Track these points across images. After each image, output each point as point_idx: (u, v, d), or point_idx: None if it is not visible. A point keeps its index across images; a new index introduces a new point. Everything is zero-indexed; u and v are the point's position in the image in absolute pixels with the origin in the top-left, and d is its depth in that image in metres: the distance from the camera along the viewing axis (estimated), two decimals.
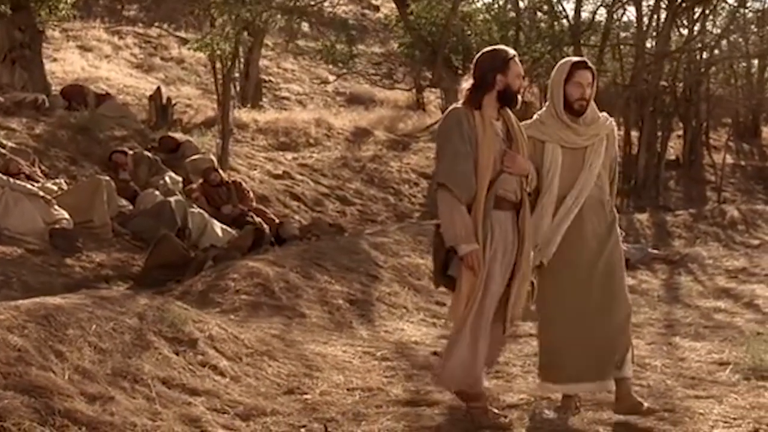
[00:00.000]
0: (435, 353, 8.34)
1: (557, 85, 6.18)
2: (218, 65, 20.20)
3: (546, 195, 6.15)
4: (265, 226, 14.57)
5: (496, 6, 22.91)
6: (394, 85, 27.31)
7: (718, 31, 29.04)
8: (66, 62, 27.16)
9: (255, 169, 18.84)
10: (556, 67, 6.33)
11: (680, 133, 29.67)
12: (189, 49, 20.82)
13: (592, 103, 6.22)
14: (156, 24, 32.37)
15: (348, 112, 27.98)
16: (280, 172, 19.25)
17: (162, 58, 30.71)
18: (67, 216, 12.10)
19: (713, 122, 32.50)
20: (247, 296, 9.48)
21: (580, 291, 6.15)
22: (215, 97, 25.43)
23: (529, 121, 6.33)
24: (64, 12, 19.84)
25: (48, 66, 25.90)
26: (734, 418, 6.44)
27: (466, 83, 6.11)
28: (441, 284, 6.08)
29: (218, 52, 18.30)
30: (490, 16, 22.58)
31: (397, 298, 10.74)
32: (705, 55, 28.62)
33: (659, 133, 26.67)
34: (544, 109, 6.34)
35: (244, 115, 23.14)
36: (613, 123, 6.39)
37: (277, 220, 15.34)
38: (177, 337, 7.10)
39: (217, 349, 7.26)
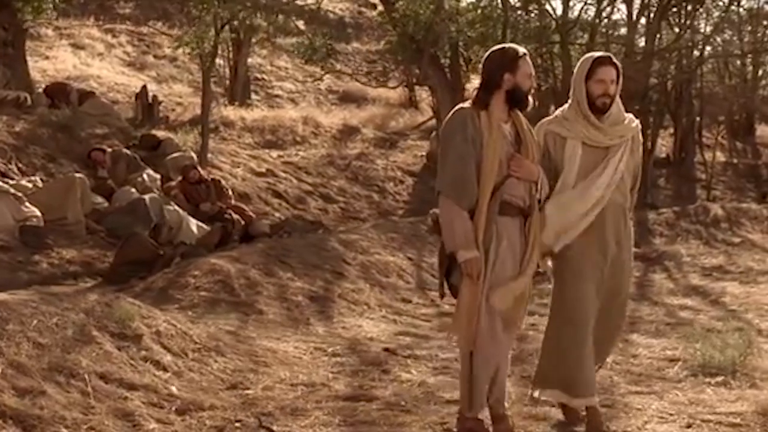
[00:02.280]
0: (386, 349, 8.42)
1: (579, 82, 5.86)
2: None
3: (565, 191, 5.89)
4: (243, 223, 14.70)
5: (482, 3, 22.85)
6: (381, 84, 27.31)
7: (711, 29, 28.99)
8: (58, 60, 27.20)
9: (238, 167, 18.89)
10: (578, 63, 6.00)
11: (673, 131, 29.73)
12: (169, 47, 20.84)
13: (618, 101, 5.92)
14: (150, 22, 32.39)
15: (340, 109, 28.04)
16: (264, 170, 19.31)
17: (155, 56, 30.69)
18: (37, 213, 12.18)
19: (708, 120, 32.50)
20: (207, 293, 9.56)
21: (594, 295, 5.93)
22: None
23: (549, 117, 6.12)
24: (47, 10, 19.82)
25: (40, 64, 26.04)
26: (670, 414, 6.52)
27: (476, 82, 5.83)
28: (445, 293, 5.79)
29: (197, 51, 18.38)
30: (476, 14, 22.57)
31: (359, 295, 10.80)
32: (697, 53, 28.66)
33: (649, 131, 26.71)
34: (566, 106, 6.03)
35: (231, 113, 23.19)
36: (639, 125, 6.09)
37: (255, 218, 15.45)
38: (122, 332, 7.17)
39: (163, 345, 7.33)
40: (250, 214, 15.50)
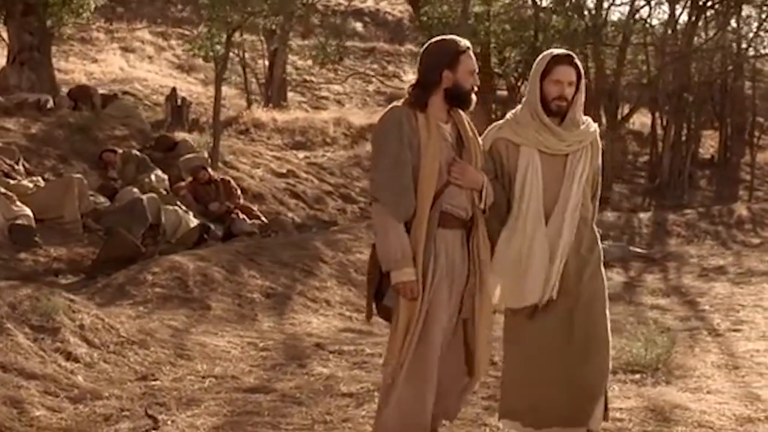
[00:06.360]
0: (317, 345, 8.62)
1: (533, 81, 5.27)
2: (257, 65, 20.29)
3: (527, 214, 5.22)
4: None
5: (514, 6, 23.00)
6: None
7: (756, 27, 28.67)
8: (106, 63, 27.92)
9: (258, 168, 19.23)
10: (536, 60, 5.37)
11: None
12: (183, 51, 21.31)
13: (577, 105, 5.28)
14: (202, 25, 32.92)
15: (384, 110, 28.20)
16: (284, 171, 19.64)
17: (204, 59, 31.24)
18: (28, 212, 12.61)
19: (764, 120, 32.06)
20: (161, 289, 9.84)
21: (561, 325, 5.28)
22: (246, 95, 26.05)
23: (500, 122, 5.44)
24: (84, 12, 20.36)
25: (88, 67, 26.77)
26: None
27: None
28: (374, 314, 5.12)
29: (211, 53, 18.78)
30: (507, 18, 22.70)
31: (322, 292, 10.97)
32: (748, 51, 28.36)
33: (688, 132, 26.59)
34: (519, 107, 5.41)
35: (263, 114, 23.57)
36: (597, 130, 5.49)
37: (263, 218, 15.79)
38: (43, 325, 7.49)
39: (84, 338, 7.63)
40: (257, 213, 15.84)
